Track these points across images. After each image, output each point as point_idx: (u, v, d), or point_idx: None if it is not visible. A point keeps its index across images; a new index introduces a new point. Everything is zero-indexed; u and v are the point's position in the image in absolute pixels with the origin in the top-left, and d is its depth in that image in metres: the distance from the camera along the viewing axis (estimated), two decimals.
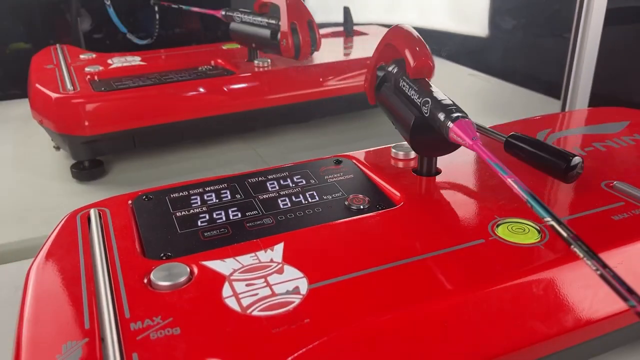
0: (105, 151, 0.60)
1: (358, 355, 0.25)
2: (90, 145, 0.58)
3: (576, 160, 0.35)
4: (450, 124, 0.33)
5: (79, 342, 0.24)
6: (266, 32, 0.66)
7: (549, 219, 0.27)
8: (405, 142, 0.42)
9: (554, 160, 0.36)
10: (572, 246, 0.26)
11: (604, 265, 0.24)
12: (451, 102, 0.35)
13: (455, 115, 0.33)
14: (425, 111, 0.35)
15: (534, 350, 0.28)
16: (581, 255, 0.26)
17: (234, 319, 0.26)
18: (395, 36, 0.41)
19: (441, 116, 0.34)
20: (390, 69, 0.42)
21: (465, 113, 0.34)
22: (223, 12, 0.72)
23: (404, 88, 0.39)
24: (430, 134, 0.36)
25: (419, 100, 0.36)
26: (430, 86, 0.37)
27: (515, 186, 0.29)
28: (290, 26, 0.63)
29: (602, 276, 0.24)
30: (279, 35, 0.64)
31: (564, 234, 0.27)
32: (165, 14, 0.91)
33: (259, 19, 0.67)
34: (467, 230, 0.32)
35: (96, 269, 0.29)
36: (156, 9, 0.81)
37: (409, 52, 0.38)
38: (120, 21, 0.81)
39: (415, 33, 0.40)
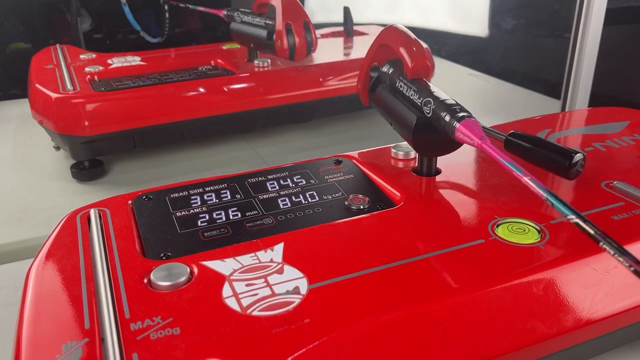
0: (105, 151, 0.60)
1: (358, 355, 0.25)
2: (90, 145, 0.58)
3: (578, 156, 0.35)
4: (456, 124, 0.33)
5: (79, 342, 0.24)
6: (263, 33, 0.66)
7: (572, 216, 0.26)
8: (405, 142, 0.42)
9: (556, 157, 0.36)
10: (600, 243, 0.25)
11: (637, 261, 0.24)
12: (455, 102, 0.35)
13: (460, 114, 0.33)
14: (427, 111, 0.35)
15: (534, 350, 0.28)
16: (612, 252, 0.25)
17: (234, 319, 0.26)
18: (390, 37, 0.41)
19: (446, 116, 0.34)
20: (385, 69, 0.42)
21: (469, 112, 0.34)
22: (225, 12, 0.73)
23: (401, 89, 0.39)
24: (433, 134, 0.36)
25: (420, 101, 0.36)
26: (430, 86, 0.37)
27: (533, 185, 0.28)
28: (285, 27, 0.63)
29: (635, 272, 0.23)
30: (274, 36, 0.64)
31: (591, 232, 0.25)
32: (165, 13, 0.91)
33: (257, 19, 0.67)
34: (467, 230, 0.32)
35: (96, 269, 0.29)
36: (166, 7, 0.81)
37: (406, 53, 0.38)
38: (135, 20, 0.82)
39: (411, 33, 0.40)
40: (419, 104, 0.36)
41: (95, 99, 0.57)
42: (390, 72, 0.41)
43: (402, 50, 0.39)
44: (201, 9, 0.78)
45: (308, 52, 0.65)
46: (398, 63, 0.41)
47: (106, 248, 0.31)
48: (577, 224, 0.26)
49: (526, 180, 0.29)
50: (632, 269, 0.24)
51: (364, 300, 0.27)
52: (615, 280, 0.30)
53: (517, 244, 0.31)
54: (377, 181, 0.40)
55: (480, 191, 0.37)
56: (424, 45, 0.69)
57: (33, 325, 0.26)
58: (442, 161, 0.40)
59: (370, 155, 0.43)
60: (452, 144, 0.37)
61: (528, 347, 0.27)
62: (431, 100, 0.35)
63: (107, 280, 0.28)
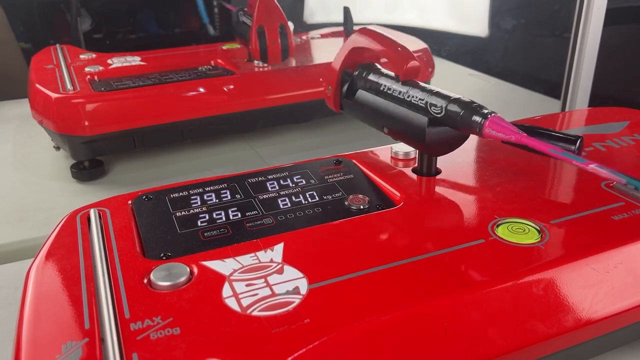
0: (105, 151, 0.60)
1: (358, 355, 0.25)
2: (90, 145, 0.58)
3: (580, 141, 0.35)
4: (483, 121, 0.33)
5: (79, 342, 0.24)
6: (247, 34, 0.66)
7: None
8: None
9: (562, 144, 0.36)
10: None
11: None
12: (469, 99, 0.35)
13: (486, 111, 0.33)
14: (437, 111, 0.35)
15: (534, 350, 0.28)
16: None
17: (234, 319, 0.26)
18: (368, 40, 0.40)
19: (466, 114, 0.34)
20: (363, 74, 0.41)
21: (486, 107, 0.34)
22: (236, 10, 0.73)
23: (392, 92, 0.38)
24: (443, 134, 0.36)
25: (424, 102, 0.36)
26: (427, 86, 0.37)
27: (604, 171, 0.27)
28: (257, 30, 0.63)
29: None
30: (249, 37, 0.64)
31: None
32: (165, 13, 0.91)
33: (248, 20, 0.67)
34: (467, 230, 0.32)
35: (96, 269, 0.29)
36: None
37: (396, 55, 0.38)
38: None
39: (389, 35, 0.40)
40: (423, 105, 0.36)
41: (95, 99, 0.57)
42: (370, 76, 0.41)
43: (389, 53, 0.38)
44: (229, 6, 0.79)
45: (284, 57, 0.65)
46: (374, 66, 0.40)
47: (106, 248, 0.31)
48: None
49: (593, 167, 0.28)
50: None
51: (364, 300, 0.27)
52: (615, 280, 0.30)
53: (517, 244, 0.31)
54: (377, 181, 0.40)
55: (480, 191, 0.37)
56: (423, 44, 0.70)
57: (33, 325, 0.26)
58: (442, 161, 0.40)
59: (370, 155, 0.43)
60: (458, 142, 0.37)
61: (528, 347, 0.27)
62: (440, 100, 0.35)
63: (107, 281, 0.28)
